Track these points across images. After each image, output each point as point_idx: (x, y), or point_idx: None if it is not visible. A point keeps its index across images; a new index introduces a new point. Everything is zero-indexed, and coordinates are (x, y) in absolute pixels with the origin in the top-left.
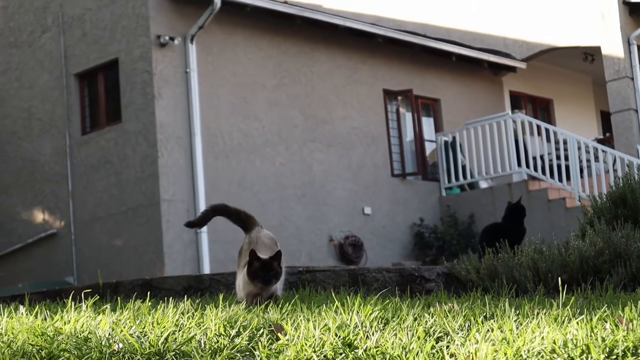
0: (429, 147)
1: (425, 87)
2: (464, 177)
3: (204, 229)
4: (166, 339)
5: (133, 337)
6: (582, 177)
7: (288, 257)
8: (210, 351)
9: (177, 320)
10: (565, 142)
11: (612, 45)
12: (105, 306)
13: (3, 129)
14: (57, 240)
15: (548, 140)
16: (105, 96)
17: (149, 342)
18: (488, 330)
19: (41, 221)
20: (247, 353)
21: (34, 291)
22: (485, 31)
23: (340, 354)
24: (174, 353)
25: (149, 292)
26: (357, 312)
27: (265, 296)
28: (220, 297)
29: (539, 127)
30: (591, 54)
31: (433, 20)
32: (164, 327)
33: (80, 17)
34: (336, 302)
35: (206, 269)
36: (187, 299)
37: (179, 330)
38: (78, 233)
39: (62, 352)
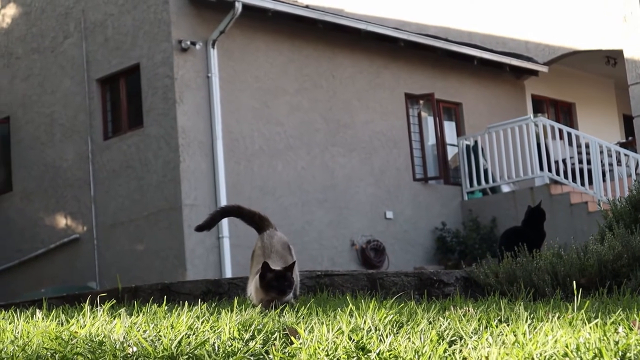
0: (450, 151)
1: (447, 90)
2: (486, 181)
3: (226, 233)
4: (179, 342)
5: (147, 341)
6: (604, 181)
7: (310, 261)
8: (223, 355)
9: (191, 324)
10: (587, 146)
11: (634, 49)
12: (120, 310)
13: (26, 135)
14: (79, 245)
15: (570, 144)
16: (127, 101)
17: (162, 346)
18: (501, 334)
19: (64, 226)
20: (261, 356)
21: (53, 296)
22: (507, 35)
23: (353, 357)
24: (187, 357)
25: (167, 297)
26: (372, 315)
27: (280, 305)
28: (236, 300)
29: (561, 131)
30: (613, 58)
31: (455, 23)
32: (178, 331)
33: (102, 23)
34: (350, 305)
35: (228, 274)
36: (203, 303)
37: (193, 334)
38: (100, 238)
39: (75, 356)
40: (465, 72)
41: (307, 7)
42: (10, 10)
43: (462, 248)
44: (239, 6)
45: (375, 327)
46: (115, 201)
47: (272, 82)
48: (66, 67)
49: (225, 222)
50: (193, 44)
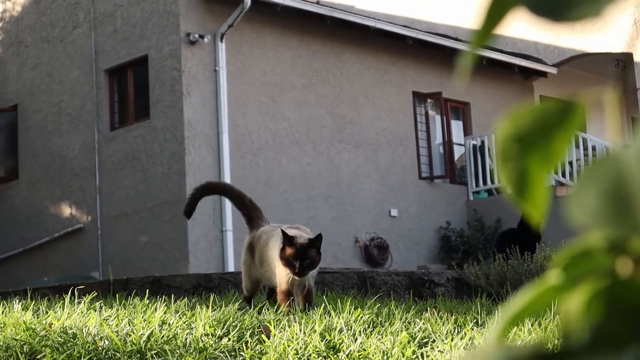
0: (457, 151)
1: (455, 90)
2: (492, 181)
3: (229, 227)
4: (148, 337)
5: (118, 335)
6: None
7: None
8: (194, 351)
9: (165, 319)
10: (594, 149)
11: None
12: (96, 303)
13: (33, 124)
14: (83, 235)
15: (577, 146)
16: (134, 92)
17: (132, 341)
18: (472, 337)
19: (68, 216)
20: (233, 353)
21: (45, 286)
22: (517, 35)
23: (323, 357)
24: (155, 352)
25: (158, 290)
26: (348, 315)
27: (297, 285)
28: (211, 297)
29: None
30: (623, 61)
31: (465, 23)
32: (150, 325)
33: (112, 14)
34: (325, 304)
35: (230, 267)
36: (184, 297)
37: (166, 329)
38: (104, 228)
39: (44, 348)
40: (473, 72)
41: (317, 2)
42: None
43: (466, 248)
44: (248, 0)
45: (349, 327)
46: (120, 192)
47: (279, 77)
48: (75, 57)
49: (229, 215)
50: (201, 37)
